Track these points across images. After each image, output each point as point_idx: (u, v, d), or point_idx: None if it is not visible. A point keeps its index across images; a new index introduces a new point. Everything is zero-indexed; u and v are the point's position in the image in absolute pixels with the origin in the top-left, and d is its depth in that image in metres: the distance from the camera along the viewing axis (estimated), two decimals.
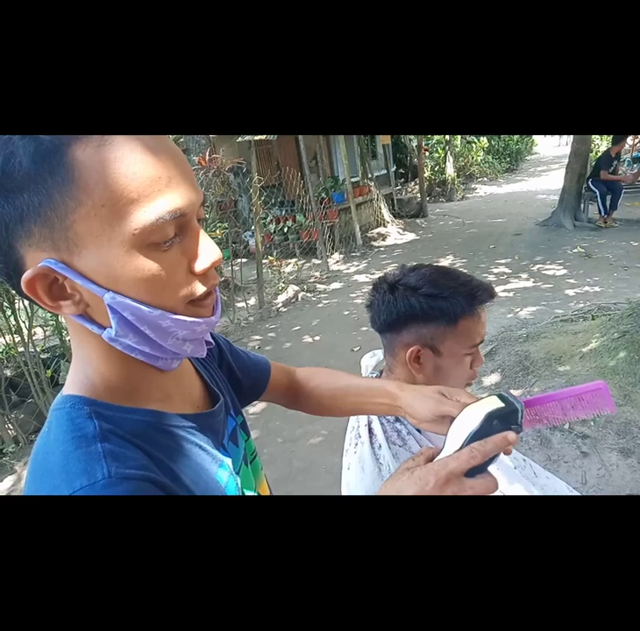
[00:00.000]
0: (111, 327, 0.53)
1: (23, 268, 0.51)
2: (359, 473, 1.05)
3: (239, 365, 0.88)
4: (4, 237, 0.49)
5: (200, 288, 0.56)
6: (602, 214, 8.04)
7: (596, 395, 0.73)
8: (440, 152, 14.39)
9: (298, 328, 5.69)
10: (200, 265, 0.55)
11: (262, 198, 6.95)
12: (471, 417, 0.61)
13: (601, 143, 14.18)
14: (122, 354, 0.56)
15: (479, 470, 0.57)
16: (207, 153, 5.52)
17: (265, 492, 0.81)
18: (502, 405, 0.62)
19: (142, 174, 0.48)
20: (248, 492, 0.74)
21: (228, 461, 0.68)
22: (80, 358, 0.59)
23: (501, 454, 1.26)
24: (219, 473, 0.65)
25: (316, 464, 3.10)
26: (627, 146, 11.44)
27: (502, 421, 0.61)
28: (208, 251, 0.55)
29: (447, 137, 13.62)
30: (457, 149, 15.22)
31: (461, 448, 0.59)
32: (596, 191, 7.96)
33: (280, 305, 6.55)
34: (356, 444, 1.10)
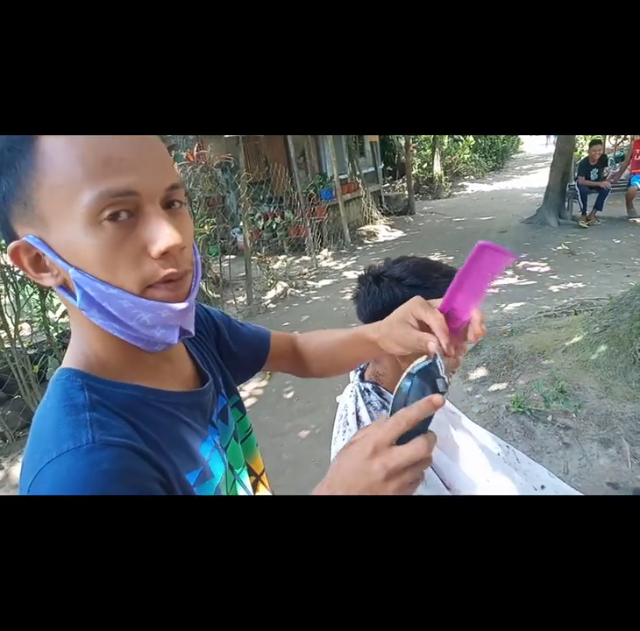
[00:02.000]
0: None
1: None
2: None
3: (238, 340, 0.92)
4: (3, 212, 0.56)
5: (157, 272, 0.57)
6: (583, 212, 8.20)
7: (488, 258, 0.67)
8: (427, 149, 14.47)
9: (287, 324, 5.71)
10: (154, 248, 0.55)
11: (250, 194, 6.96)
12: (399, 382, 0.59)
13: (585, 142, 14.35)
14: (110, 334, 0.60)
15: (415, 433, 0.55)
16: (195, 149, 5.53)
17: (258, 467, 0.86)
18: (426, 363, 0.59)
19: (91, 157, 0.52)
20: (237, 468, 0.79)
21: (215, 437, 0.73)
22: (76, 334, 0.64)
23: (488, 439, 1.30)
24: (203, 447, 0.69)
25: (305, 457, 3.14)
26: (610, 146, 11.61)
27: (426, 377, 0.58)
28: (163, 236, 0.55)
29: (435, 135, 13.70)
30: (444, 147, 15.29)
31: (391, 415, 0.56)
32: (577, 190, 8.20)
33: (268, 301, 6.57)
34: (344, 431, 1.14)
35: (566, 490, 1.30)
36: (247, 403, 3.97)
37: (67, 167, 0.52)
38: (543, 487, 1.29)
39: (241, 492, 0.79)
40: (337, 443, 1.16)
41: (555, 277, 5.84)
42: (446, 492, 1.07)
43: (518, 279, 5.99)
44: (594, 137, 9.88)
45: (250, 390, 4.23)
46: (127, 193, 0.53)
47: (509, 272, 6.25)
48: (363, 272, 1.15)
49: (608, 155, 10.75)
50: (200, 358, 0.80)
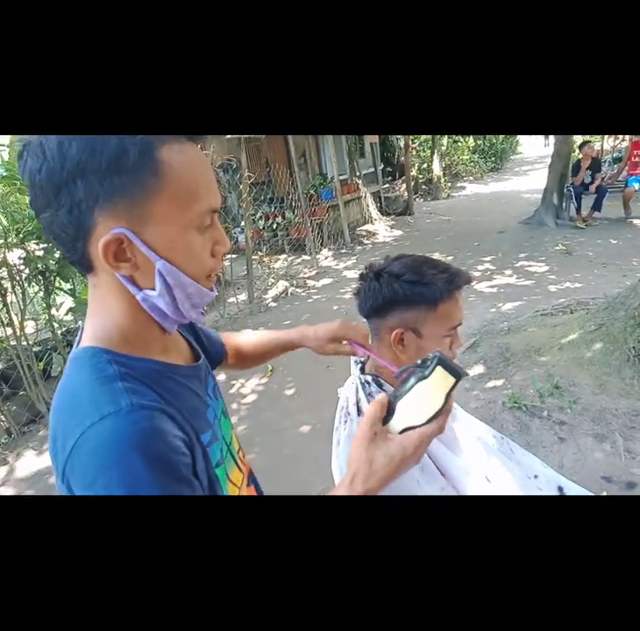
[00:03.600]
0: (154, 289, 0.68)
1: (93, 232, 0.65)
2: (349, 447, 1.12)
3: (209, 337, 1.06)
4: (90, 206, 0.63)
5: (215, 266, 0.74)
6: (578, 212, 8.29)
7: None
8: (427, 150, 14.50)
9: (288, 322, 5.75)
10: (223, 250, 0.74)
11: (251, 195, 7.01)
12: (429, 395, 0.68)
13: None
14: (140, 313, 0.71)
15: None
16: None
17: (235, 445, 0.94)
18: (453, 379, 0.68)
19: (201, 177, 0.68)
20: (227, 439, 0.88)
21: (214, 406, 0.84)
22: (102, 315, 0.72)
23: (483, 430, 1.36)
24: (208, 414, 0.80)
25: (305, 452, 3.19)
26: (608, 147, 11.66)
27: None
28: (227, 241, 0.74)
29: (435, 136, 13.73)
30: (443, 148, 15.32)
31: (429, 421, 0.68)
32: (571, 190, 8.28)
33: (269, 300, 6.62)
34: (345, 421, 1.17)
35: (558, 480, 1.34)
36: (249, 399, 4.06)
37: (187, 182, 0.65)
38: (536, 477, 1.33)
39: (231, 462, 0.88)
40: (338, 432, 1.19)
41: (552, 277, 5.88)
42: (442, 480, 1.12)
43: (516, 278, 6.04)
44: (583, 139, 9.97)
45: (251, 386, 4.29)
46: (216, 209, 0.71)
47: (508, 272, 6.31)
48: (364, 269, 1.20)
49: (606, 156, 10.82)
50: (192, 341, 0.93)
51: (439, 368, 0.67)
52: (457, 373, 0.67)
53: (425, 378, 0.68)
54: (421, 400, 0.68)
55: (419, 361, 0.70)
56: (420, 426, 0.68)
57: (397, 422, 0.69)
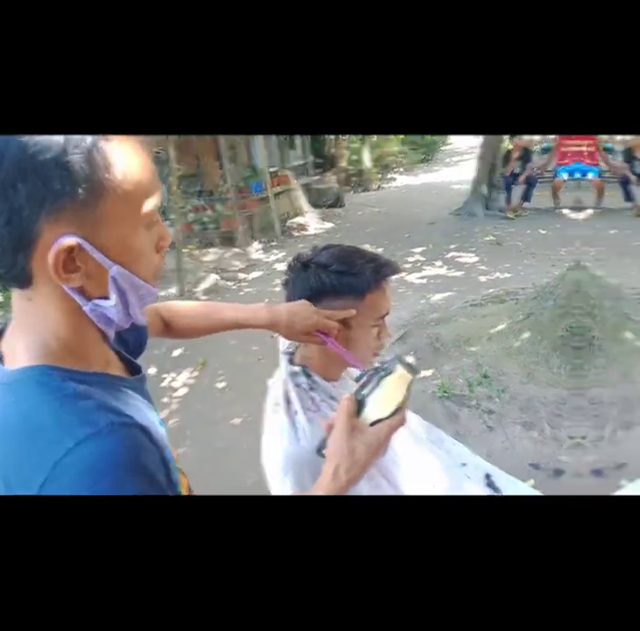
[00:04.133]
0: (107, 297, 0.63)
1: (37, 242, 0.56)
2: (278, 436, 1.11)
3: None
4: (34, 212, 0.54)
5: (160, 263, 0.69)
6: (508, 202, 8.54)
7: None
8: (357, 142, 14.58)
9: None
10: (165, 244, 0.68)
11: (181, 187, 6.84)
12: (393, 391, 0.78)
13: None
14: (82, 324, 0.64)
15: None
16: None
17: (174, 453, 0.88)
18: (410, 375, 0.78)
19: (148, 170, 0.61)
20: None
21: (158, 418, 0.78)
22: (38, 330, 0.63)
23: (413, 419, 1.36)
24: (161, 427, 0.74)
25: (236, 444, 3.17)
26: (538, 137, 12.03)
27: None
28: (169, 234, 0.69)
29: None
30: (373, 139, 15.45)
31: (392, 414, 0.77)
32: (502, 181, 8.59)
33: (200, 293, 6.53)
34: (275, 412, 1.17)
35: (486, 467, 1.38)
36: (180, 393, 4.03)
37: (136, 177, 0.59)
38: (464, 465, 1.36)
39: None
40: (268, 424, 1.19)
41: (482, 267, 6.04)
42: (372, 469, 1.11)
43: (447, 269, 6.16)
44: None
45: (183, 380, 4.25)
46: (161, 202, 0.65)
47: (438, 264, 6.42)
48: (291, 258, 1.19)
49: (535, 146, 11.16)
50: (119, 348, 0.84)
51: (399, 366, 0.77)
52: (413, 370, 0.79)
53: (389, 374, 0.78)
54: (386, 395, 0.78)
55: (377, 365, 0.82)
56: (387, 418, 0.77)
57: (367, 416, 0.78)
